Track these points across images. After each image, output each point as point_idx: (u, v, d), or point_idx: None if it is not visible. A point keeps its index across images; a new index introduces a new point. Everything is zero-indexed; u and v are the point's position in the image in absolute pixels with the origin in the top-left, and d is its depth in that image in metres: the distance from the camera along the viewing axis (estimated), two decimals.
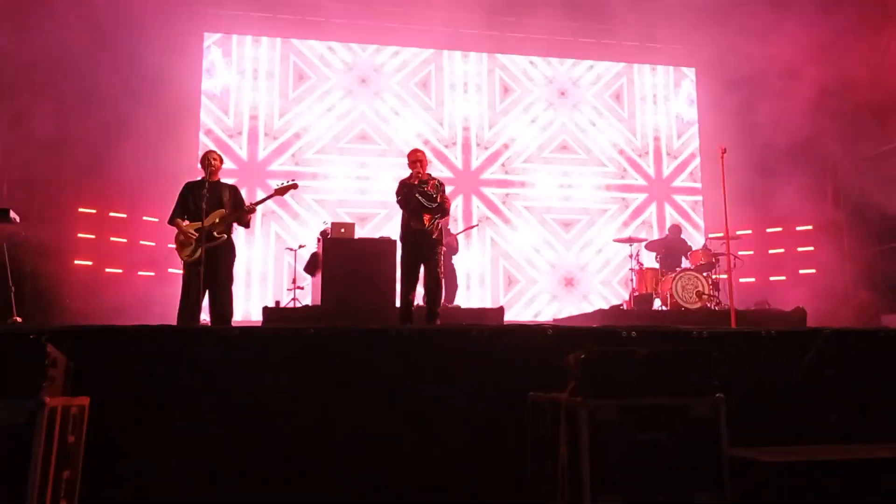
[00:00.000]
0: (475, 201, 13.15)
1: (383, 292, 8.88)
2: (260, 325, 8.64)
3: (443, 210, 7.51)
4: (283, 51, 12.93)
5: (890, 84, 11.98)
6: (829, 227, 12.32)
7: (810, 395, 5.13)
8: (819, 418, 5.07)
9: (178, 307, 6.87)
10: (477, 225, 12.33)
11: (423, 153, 7.62)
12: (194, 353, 4.70)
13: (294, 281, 10.38)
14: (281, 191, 7.54)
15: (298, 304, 10.06)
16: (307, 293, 10.26)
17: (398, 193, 7.57)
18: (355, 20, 12.83)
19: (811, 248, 12.42)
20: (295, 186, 7.58)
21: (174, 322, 6.76)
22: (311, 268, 9.78)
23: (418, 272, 7.44)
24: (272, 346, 4.89)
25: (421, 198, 7.35)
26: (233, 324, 6.92)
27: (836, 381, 5.19)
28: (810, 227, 12.47)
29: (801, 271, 12.40)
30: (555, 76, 13.87)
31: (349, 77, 13.08)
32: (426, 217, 7.33)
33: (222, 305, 6.86)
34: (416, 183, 7.42)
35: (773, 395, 5.12)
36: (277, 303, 9.78)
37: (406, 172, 7.66)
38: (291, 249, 10.65)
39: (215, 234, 6.94)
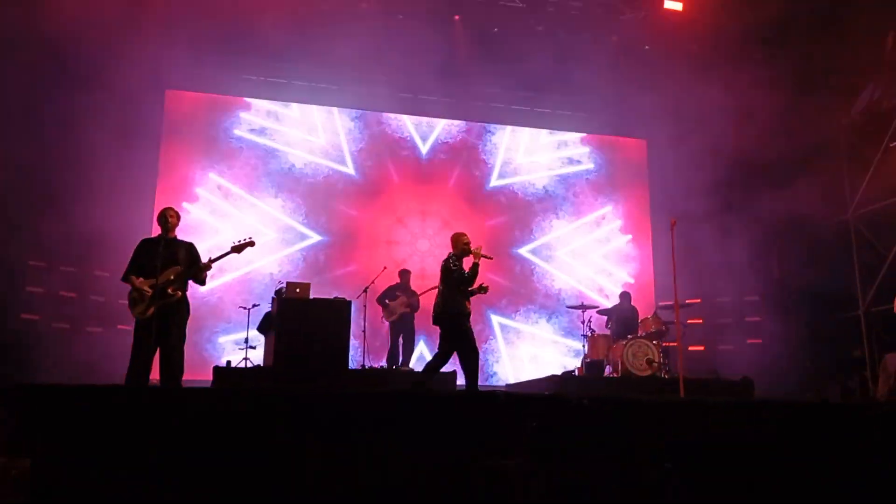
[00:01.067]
0: (429, 264, 13.22)
1: (337, 353, 8.85)
2: (210, 384, 8.50)
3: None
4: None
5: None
6: (775, 298, 12.68)
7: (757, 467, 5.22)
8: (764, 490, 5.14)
9: (127, 365, 6.73)
10: (436, 287, 12.20)
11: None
12: (143, 412, 4.62)
13: (246, 340, 10.26)
14: (237, 248, 7.51)
15: (250, 365, 9.93)
16: (259, 353, 10.13)
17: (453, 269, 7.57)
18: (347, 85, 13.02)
19: (758, 318, 12.73)
20: (252, 244, 7.56)
21: (122, 380, 6.62)
22: (264, 327, 9.70)
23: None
24: (223, 406, 4.83)
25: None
26: (182, 383, 6.82)
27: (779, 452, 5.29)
28: (757, 298, 12.82)
29: (749, 341, 12.69)
30: (510, 143, 14.18)
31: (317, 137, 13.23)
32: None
33: (173, 365, 6.75)
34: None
35: (721, 465, 5.19)
36: (228, 363, 9.63)
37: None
38: (244, 308, 10.56)
39: (169, 291, 6.87)
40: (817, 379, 11.96)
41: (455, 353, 7.45)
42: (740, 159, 12.77)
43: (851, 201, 13.09)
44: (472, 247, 7.61)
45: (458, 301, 7.45)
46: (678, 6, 13.14)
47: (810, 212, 12.53)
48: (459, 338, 7.38)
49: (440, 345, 7.56)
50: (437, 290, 7.72)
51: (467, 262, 7.64)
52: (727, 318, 13.07)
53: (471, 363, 7.28)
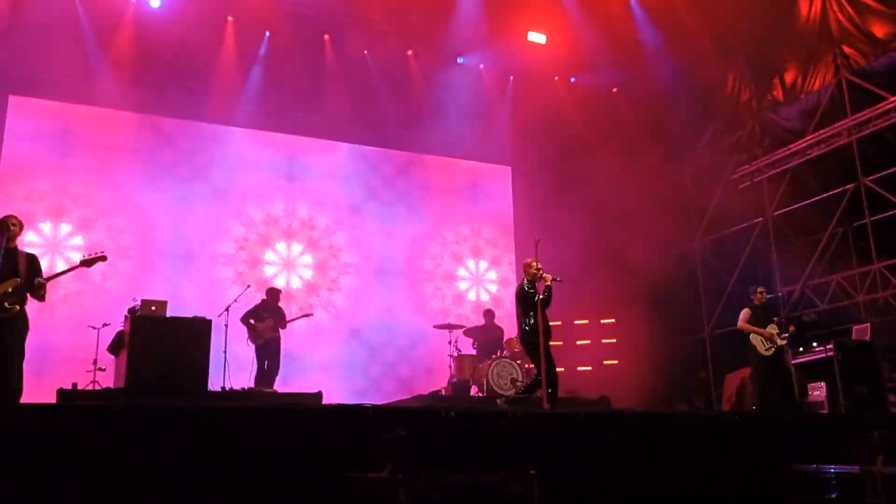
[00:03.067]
0: (294, 282, 12.96)
1: (194, 375, 8.44)
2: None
3: None
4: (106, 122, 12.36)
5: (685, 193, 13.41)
6: (630, 320, 13.27)
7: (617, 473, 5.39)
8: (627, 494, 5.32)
9: None
10: (311, 314, 11.75)
11: None
12: None
13: (95, 362, 9.59)
14: (87, 262, 7.03)
15: (99, 387, 9.28)
16: (109, 375, 9.49)
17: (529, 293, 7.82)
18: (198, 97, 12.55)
19: (614, 340, 13.29)
20: (104, 258, 7.11)
21: None
22: (115, 347, 9.11)
23: None
24: (68, 426, 4.47)
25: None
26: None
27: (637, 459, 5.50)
28: (613, 321, 13.39)
29: (606, 362, 13.20)
30: (378, 165, 14.18)
31: (168, 153, 12.66)
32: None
33: (11, 381, 6.19)
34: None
35: (584, 473, 5.33)
36: (75, 384, 8.94)
37: None
38: (94, 328, 9.88)
39: (6, 304, 6.31)
40: (668, 398, 12.60)
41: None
42: (596, 190, 13.39)
43: (697, 231, 14.01)
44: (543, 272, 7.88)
45: (538, 322, 7.71)
46: (542, 39, 13.73)
47: (661, 238, 13.31)
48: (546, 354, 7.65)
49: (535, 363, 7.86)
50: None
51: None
52: (585, 340, 13.55)
53: (551, 376, 7.59)
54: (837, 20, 11.58)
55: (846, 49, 11.52)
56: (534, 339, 7.73)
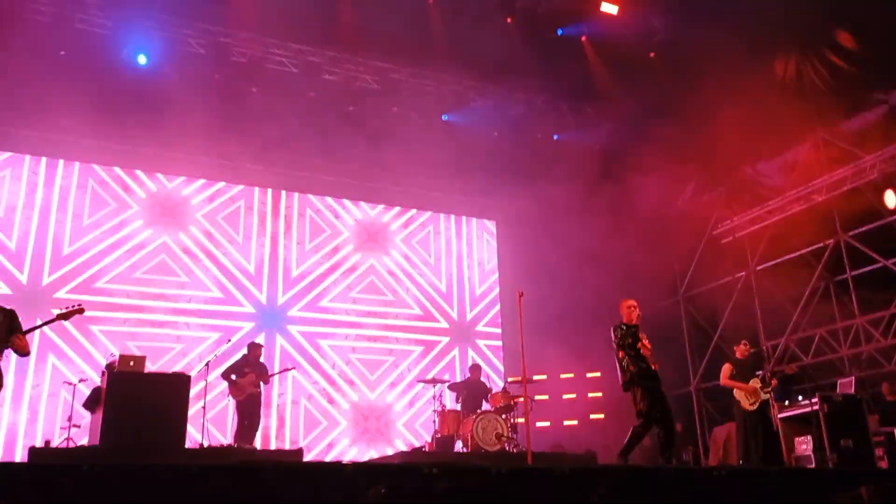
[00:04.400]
0: (279, 339, 12.81)
1: (172, 432, 8.24)
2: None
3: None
4: (82, 175, 12.32)
5: (662, 246, 13.49)
6: (616, 374, 13.16)
7: None
8: None
9: None
10: (293, 368, 11.63)
11: None
12: None
13: (70, 419, 9.37)
14: (64, 316, 6.93)
15: (73, 445, 9.05)
16: (84, 432, 9.27)
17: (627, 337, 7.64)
18: (164, 151, 12.57)
19: (600, 394, 13.18)
20: (81, 311, 7.01)
21: None
22: (91, 404, 8.91)
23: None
24: (39, 486, 4.32)
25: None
26: None
27: None
28: (599, 374, 13.30)
29: (592, 416, 13.07)
30: (364, 219, 14.23)
31: (152, 207, 12.64)
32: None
33: None
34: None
35: None
36: (48, 442, 8.73)
37: None
38: (70, 384, 9.69)
39: None
40: (654, 453, 12.43)
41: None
42: (580, 245, 13.44)
43: (681, 286, 14.06)
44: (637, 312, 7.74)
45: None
46: (524, 97, 13.96)
47: (644, 295, 13.31)
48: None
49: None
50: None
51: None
52: (571, 394, 13.42)
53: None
54: (813, 82, 11.86)
55: (821, 109, 11.76)
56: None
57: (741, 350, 9.33)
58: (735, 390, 9.06)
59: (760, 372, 9.32)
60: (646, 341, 7.64)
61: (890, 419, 8.96)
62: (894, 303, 10.64)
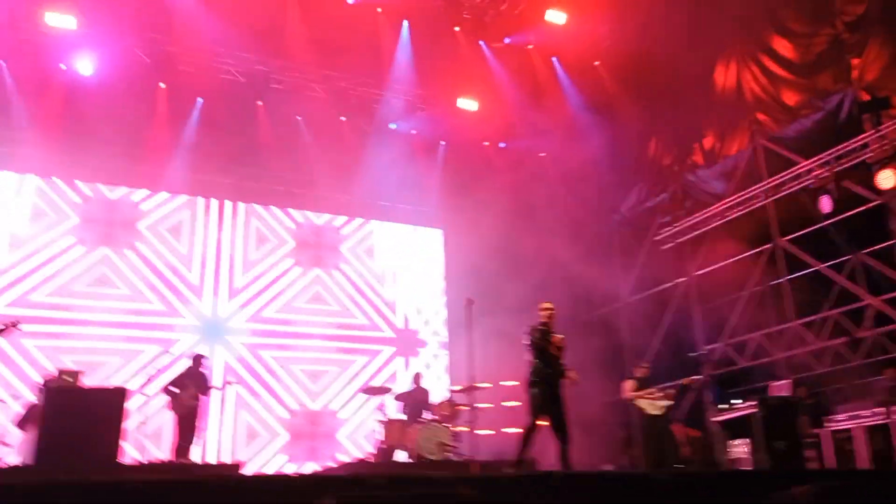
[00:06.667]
0: (219, 350, 12.59)
1: (109, 447, 8.01)
2: None
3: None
4: (18, 185, 11.97)
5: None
6: None
7: None
8: None
9: None
10: (234, 382, 11.27)
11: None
12: None
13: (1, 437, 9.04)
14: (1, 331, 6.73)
15: (3, 465, 8.71)
16: (15, 451, 8.95)
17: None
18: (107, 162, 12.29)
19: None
20: (16, 326, 6.82)
21: None
22: (24, 422, 8.62)
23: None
24: None
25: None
26: None
27: None
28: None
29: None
30: (310, 229, 14.12)
31: (92, 218, 12.34)
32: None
33: None
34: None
35: None
36: None
37: None
38: (1, 401, 9.36)
39: None
40: (594, 460, 12.58)
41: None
42: (525, 252, 13.55)
43: (623, 291, 14.29)
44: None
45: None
46: (474, 106, 14.07)
47: (589, 302, 13.50)
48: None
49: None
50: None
51: None
52: (515, 401, 13.45)
53: None
54: (751, 89, 12.19)
55: (760, 116, 12.10)
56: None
57: (641, 370, 10.05)
58: (638, 400, 9.75)
59: (655, 387, 9.95)
60: (556, 342, 7.72)
61: (814, 420, 9.27)
62: (827, 306, 10.96)
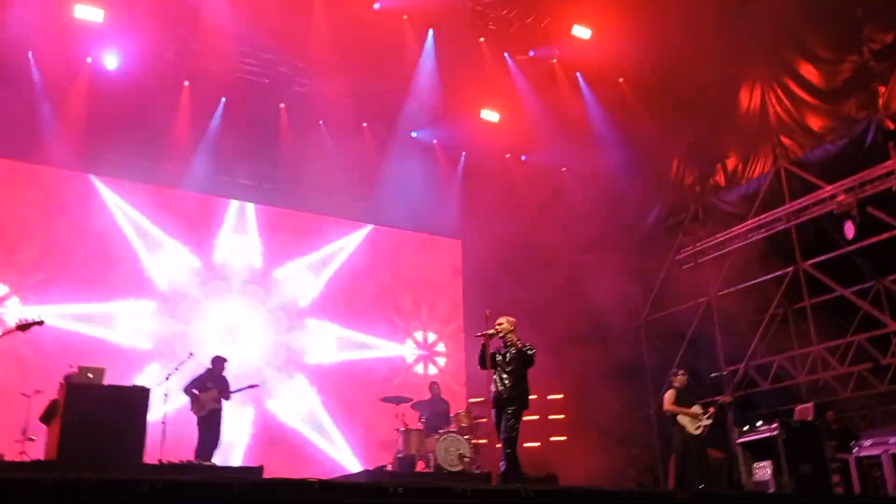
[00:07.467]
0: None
1: (131, 446, 8.07)
2: None
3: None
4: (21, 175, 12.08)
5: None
6: (578, 397, 13.27)
7: None
8: None
9: None
10: (256, 385, 11.07)
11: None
12: None
13: (24, 432, 9.10)
14: (23, 327, 6.80)
15: (28, 459, 8.78)
16: (40, 446, 9.00)
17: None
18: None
19: (562, 416, 13.23)
20: (40, 323, 6.88)
21: None
22: (47, 417, 8.67)
23: None
24: None
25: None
26: None
27: None
28: (561, 396, 13.35)
29: (553, 438, 13.09)
30: (329, 234, 14.14)
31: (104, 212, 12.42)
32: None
33: None
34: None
35: None
36: (1, 455, 8.46)
37: None
38: (25, 395, 9.41)
39: None
40: (614, 476, 12.53)
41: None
42: (546, 266, 13.55)
43: (643, 310, 14.24)
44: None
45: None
46: (494, 117, 14.10)
47: (608, 318, 13.46)
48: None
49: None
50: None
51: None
52: (534, 415, 13.42)
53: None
54: (776, 112, 12.18)
55: (784, 140, 12.10)
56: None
57: (679, 379, 9.55)
58: (679, 416, 9.28)
59: (699, 400, 9.58)
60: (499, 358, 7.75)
61: (842, 446, 9.18)
62: (850, 331, 10.89)
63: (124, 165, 12.47)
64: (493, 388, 7.70)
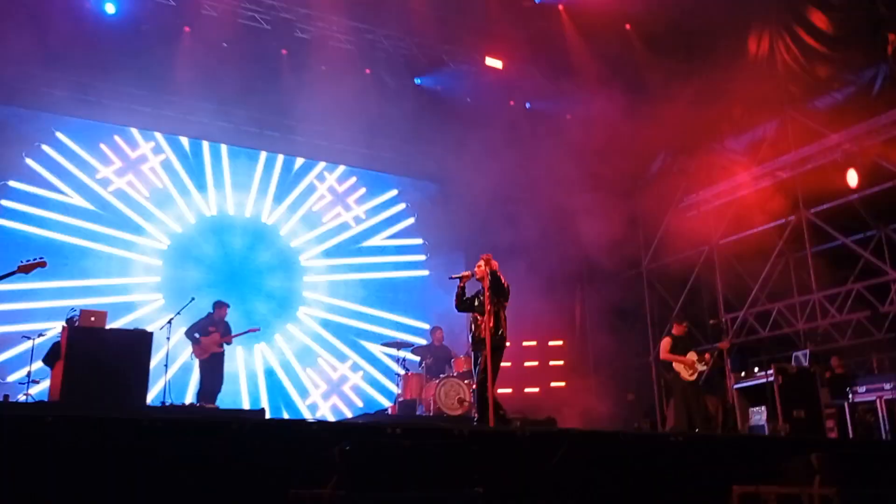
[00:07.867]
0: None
1: (134, 389, 8.17)
2: None
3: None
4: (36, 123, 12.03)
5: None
6: (578, 343, 13.36)
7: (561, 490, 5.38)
8: None
9: None
10: (257, 329, 11.16)
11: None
12: None
13: (29, 374, 9.22)
14: (25, 268, 6.82)
15: (31, 400, 8.92)
16: (44, 388, 9.13)
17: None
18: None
19: (562, 363, 13.34)
20: (43, 264, 6.90)
21: None
22: (51, 359, 8.76)
23: None
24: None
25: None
26: None
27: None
28: (561, 343, 13.44)
29: (553, 384, 13.23)
30: (325, 179, 14.14)
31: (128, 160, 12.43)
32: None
33: None
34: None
35: (530, 490, 5.30)
36: (6, 397, 8.59)
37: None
38: (28, 338, 9.50)
39: None
40: (614, 421, 12.69)
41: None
42: (547, 212, 13.48)
43: (645, 257, 14.22)
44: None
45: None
46: (498, 64, 13.89)
47: (609, 265, 13.45)
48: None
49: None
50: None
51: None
52: (534, 361, 13.55)
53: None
54: (783, 60, 11.96)
55: (791, 87, 11.89)
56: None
57: (679, 328, 9.71)
58: (674, 363, 9.44)
59: (695, 347, 9.75)
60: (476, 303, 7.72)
61: (839, 391, 9.28)
62: (850, 279, 10.89)
63: (125, 112, 12.37)
64: (470, 331, 7.77)
